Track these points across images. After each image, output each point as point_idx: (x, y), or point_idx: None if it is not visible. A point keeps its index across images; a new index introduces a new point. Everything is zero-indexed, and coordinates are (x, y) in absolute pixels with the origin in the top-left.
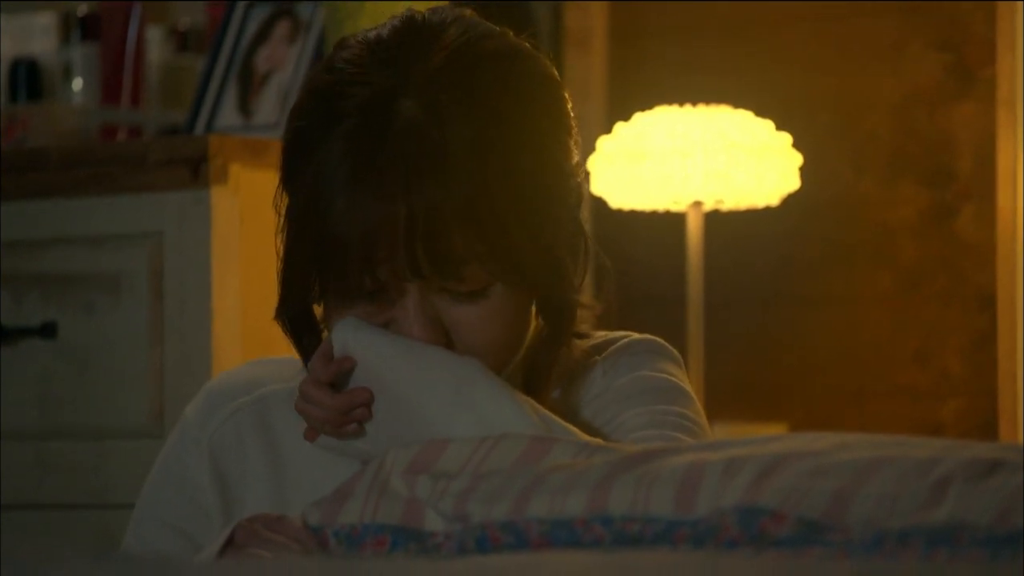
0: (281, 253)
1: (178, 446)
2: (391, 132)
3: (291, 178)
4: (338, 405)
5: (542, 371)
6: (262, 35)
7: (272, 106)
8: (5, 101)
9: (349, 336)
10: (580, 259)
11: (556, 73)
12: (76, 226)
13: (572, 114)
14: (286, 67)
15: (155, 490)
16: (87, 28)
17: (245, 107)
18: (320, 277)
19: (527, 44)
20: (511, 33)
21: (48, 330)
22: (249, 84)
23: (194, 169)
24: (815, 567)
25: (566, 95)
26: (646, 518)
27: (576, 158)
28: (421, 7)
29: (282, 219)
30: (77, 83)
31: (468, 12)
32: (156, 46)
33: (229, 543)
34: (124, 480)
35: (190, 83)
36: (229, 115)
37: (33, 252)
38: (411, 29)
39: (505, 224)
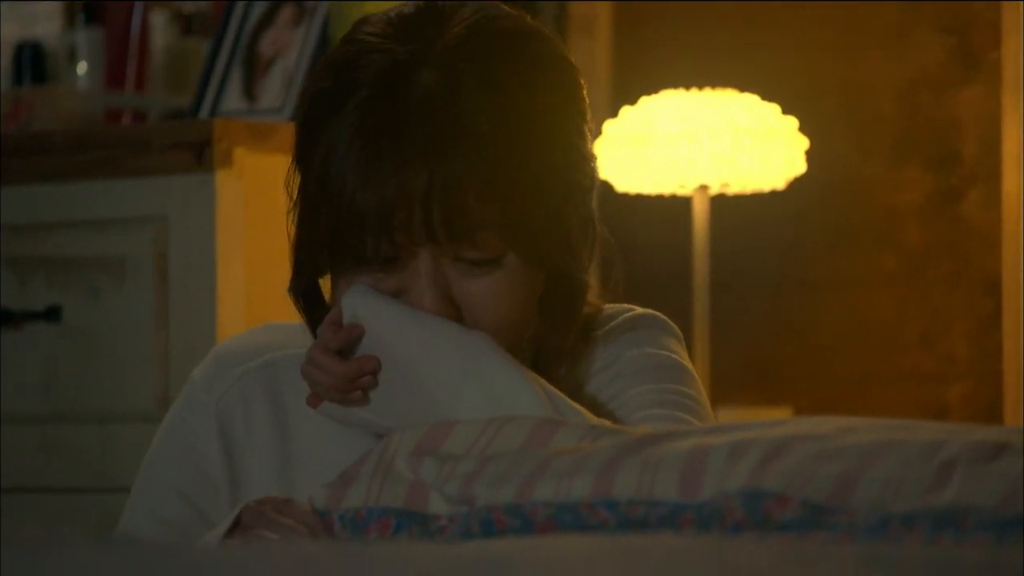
0: (294, 225)
1: (184, 409)
2: (409, 101)
3: (305, 148)
4: (345, 372)
5: (551, 354)
6: (267, 20)
7: (277, 91)
8: (9, 85)
9: (359, 303)
10: (588, 243)
11: (571, 58)
12: (80, 210)
13: (587, 100)
14: (291, 52)
15: (160, 454)
16: (92, 12)
17: (250, 91)
18: (333, 244)
19: (543, 27)
20: (527, 16)
21: (52, 314)
22: (254, 68)
23: (198, 153)
24: (820, 550)
25: (581, 80)
26: (651, 502)
27: (591, 143)
28: None
29: (295, 194)
30: (81, 67)
31: None
32: (161, 30)
33: (236, 524)
34: (129, 464)
35: (195, 67)
36: (234, 99)
37: (38, 236)
38: (430, 8)
39: (521, 192)
